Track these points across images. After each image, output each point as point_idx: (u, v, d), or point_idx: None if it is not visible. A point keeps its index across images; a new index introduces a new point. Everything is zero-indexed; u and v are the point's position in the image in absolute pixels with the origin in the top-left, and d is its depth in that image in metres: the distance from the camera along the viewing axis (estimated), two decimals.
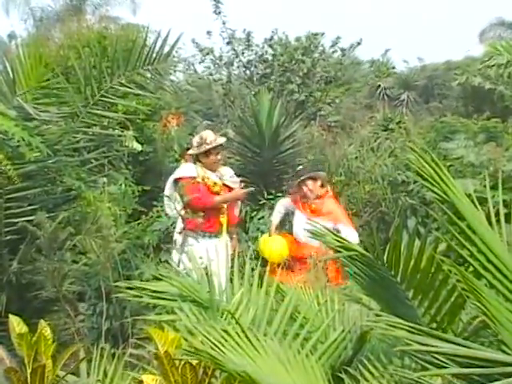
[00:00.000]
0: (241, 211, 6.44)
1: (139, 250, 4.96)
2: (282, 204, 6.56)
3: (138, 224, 5.11)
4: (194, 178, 5.62)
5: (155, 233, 5.53)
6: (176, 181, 5.67)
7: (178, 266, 4.74)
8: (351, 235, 5.68)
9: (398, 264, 2.16)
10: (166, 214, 5.84)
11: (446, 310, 2.19)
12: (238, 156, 8.66)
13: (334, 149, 9.60)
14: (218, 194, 5.69)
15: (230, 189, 5.80)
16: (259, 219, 7.05)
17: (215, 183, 5.69)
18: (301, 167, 6.63)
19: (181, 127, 8.25)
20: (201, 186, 5.60)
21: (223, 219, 5.69)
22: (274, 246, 6.11)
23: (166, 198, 5.68)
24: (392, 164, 8.48)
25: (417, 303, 2.23)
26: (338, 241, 2.27)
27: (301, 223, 5.95)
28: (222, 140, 5.84)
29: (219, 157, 5.77)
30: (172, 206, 5.58)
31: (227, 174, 5.84)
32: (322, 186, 6.21)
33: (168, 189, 5.70)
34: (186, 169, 5.77)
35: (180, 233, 5.52)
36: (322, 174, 6.37)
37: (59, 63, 6.89)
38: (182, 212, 5.46)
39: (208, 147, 5.61)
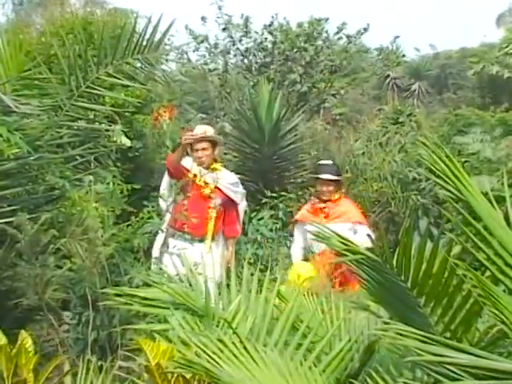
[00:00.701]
0: (244, 223, 6.43)
1: (128, 254, 4.95)
2: (300, 232, 6.29)
3: (128, 226, 5.10)
4: (188, 170, 5.73)
5: (146, 235, 5.51)
6: None
7: (160, 269, 4.80)
8: (367, 236, 5.70)
9: (408, 268, 2.15)
10: (159, 215, 5.83)
11: (460, 318, 2.18)
12: (236, 152, 8.67)
13: (340, 144, 9.62)
14: (208, 197, 5.71)
15: (225, 195, 5.81)
16: (259, 220, 7.05)
17: (206, 183, 5.70)
18: (323, 162, 6.44)
19: (173, 121, 8.24)
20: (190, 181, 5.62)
21: (208, 226, 5.69)
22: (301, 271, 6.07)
23: (161, 188, 5.75)
24: (402, 160, 8.50)
25: (429, 311, 2.23)
26: (343, 243, 2.26)
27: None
28: (199, 131, 5.81)
29: (200, 154, 5.72)
30: (165, 196, 5.61)
31: (226, 179, 5.85)
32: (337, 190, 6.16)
33: (165, 180, 5.86)
34: (184, 160, 5.85)
35: (163, 231, 5.52)
36: (341, 178, 6.35)
37: (41, 51, 6.89)
38: (170, 208, 5.47)
39: (187, 140, 5.63)
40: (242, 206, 6.07)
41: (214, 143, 5.81)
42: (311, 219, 5.94)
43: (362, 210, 6.61)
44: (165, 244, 5.42)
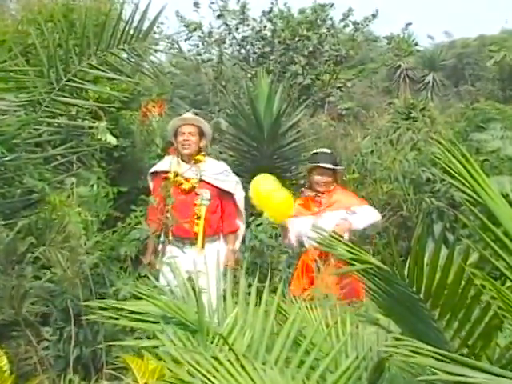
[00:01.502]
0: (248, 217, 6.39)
1: (114, 264, 4.96)
2: (291, 226, 6.11)
3: (113, 232, 5.11)
4: (167, 172, 5.70)
5: (133, 243, 5.52)
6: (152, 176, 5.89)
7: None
8: (371, 213, 5.80)
9: (421, 278, 2.16)
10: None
11: (479, 333, 2.18)
12: (232, 151, 8.68)
13: (346, 141, 9.63)
14: (188, 191, 5.70)
15: (214, 186, 5.77)
16: (258, 225, 7.04)
17: (186, 179, 5.70)
18: (321, 150, 6.35)
19: (163, 117, 8.25)
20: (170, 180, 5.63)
21: (198, 225, 5.68)
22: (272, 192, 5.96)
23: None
24: (415, 159, 8.51)
25: (444, 325, 2.23)
26: (349, 252, 2.26)
27: (304, 227, 5.82)
28: (188, 115, 5.93)
29: (186, 137, 5.71)
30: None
31: (210, 170, 5.78)
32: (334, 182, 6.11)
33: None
34: (161, 162, 5.91)
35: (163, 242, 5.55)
36: (340, 169, 6.29)
37: (17, 41, 6.89)
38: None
39: (172, 128, 5.70)
40: (240, 196, 5.96)
41: (201, 132, 5.81)
42: (302, 213, 5.96)
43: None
44: (164, 253, 5.45)
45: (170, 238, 5.58)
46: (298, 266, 5.94)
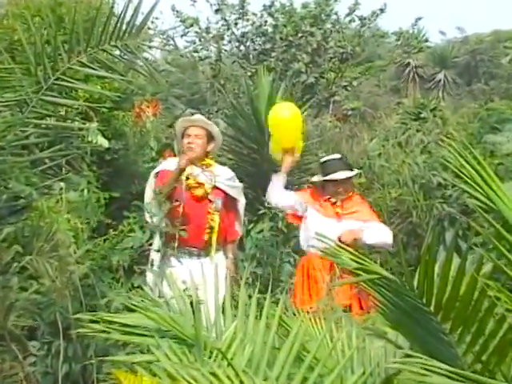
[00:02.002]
0: (244, 223, 6.39)
1: (106, 274, 4.96)
2: (302, 197, 6.07)
3: (105, 240, 5.11)
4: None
5: (126, 251, 5.52)
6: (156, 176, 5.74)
7: (154, 292, 4.75)
8: (385, 232, 5.76)
9: (431, 290, 2.16)
10: (146, 222, 5.78)
11: (493, 348, 2.19)
12: (231, 154, 8.68)
13: (352, 144, 9.64)
14: (201, 198, 5.66)
15: (225, 194, 5.76)
16: (258, 233, 7.05)
17: (199, 184, 5.66)
18: (331, 158, 6.11)
19: (158, 118, 8.27)
20: (183, 184, 5.58)
21: (211, 235, 5.66)
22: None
23: (146, 198, 5.67)
24: (425, 163, 8.52)
25: (456, 339, 2.23)
26: (356, 262, 2.27)
27: (318, 227, 5.75)
28: (196, 117, 5.87)
29: (192, 139, 5.63)
30: (153, 209, 5.52)
31: (223, 175, 5.77)
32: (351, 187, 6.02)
33: (149, 187, 5.71)
34: (169, 162, 5.81)
35: (158, 250, 5.52)
36: (356, 174, 6.18)
37: (2, 37, 6.91)
38: (163, 223, 5.46)
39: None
40: (242, 202, 5.97)
41: (209, 135, 5.76)
42: (317, 209, 5.87)
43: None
44: (164, 264, 5.43)
45: (174, 247, 5.53)
46: (298, 275, 5.89)
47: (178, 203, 5.50)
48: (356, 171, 6.08)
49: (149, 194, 5.65)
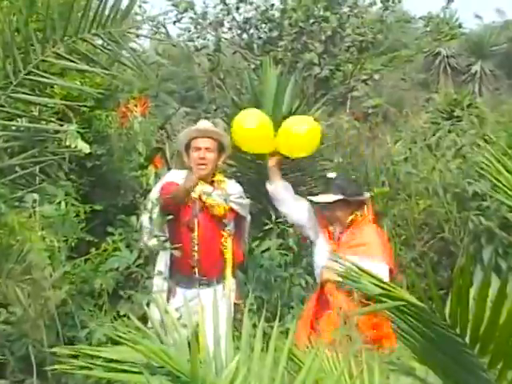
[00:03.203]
0: (244, 256, 6.39)
1: (87, 300, 4.96)
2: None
3: (86, 261, 5.12)
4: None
5: (110, 274, 5.54)
6: None
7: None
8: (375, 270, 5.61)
9: (466, 318, 2.16)
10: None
11: None
12: (232, 159, 8.68)
13: (374, 146, 9.65)
14: (219, 219, 5.66)
15: (236, 213, 5.75)
16: (263, 252, 7.04)
17: (218, 205, 5.63)
18: (329, 175, 5.95)
19: (148, 118, 8.28)
20: (196, 204, 5.56)
21: (225, 264, 5.66)
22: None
23: (145, 211, 5.63)
24: (459, 169, 8.52)
25: (496, 376, 2.23)
26: (378, 286, 2.27)
27: (322, 255, 5.74)
28: (204, 125, 5.82)
29: (202, 154, 5.60)
30: (152, 226, 5.49)
31: (234, 193, 5.79)
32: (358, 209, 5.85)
33: (152, 200, 5.67)
34: (170, 174, 5.87)
35: (159, 274, 5.50)
36: (363, 198, 5.82)
37: None
38: (167, 244, 5.45)
39: (184, 141, 5.60)
40: (248, 219, 6.04)
41: (220, 147, 5.75)
42: (325, 236, 5.79)
43: (390, 246, 6.29)
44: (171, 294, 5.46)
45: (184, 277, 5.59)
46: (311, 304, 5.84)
47: (189, 225, 5.50)
48: (341, 197, 5.66)
49: (150, 206, 5.62)
